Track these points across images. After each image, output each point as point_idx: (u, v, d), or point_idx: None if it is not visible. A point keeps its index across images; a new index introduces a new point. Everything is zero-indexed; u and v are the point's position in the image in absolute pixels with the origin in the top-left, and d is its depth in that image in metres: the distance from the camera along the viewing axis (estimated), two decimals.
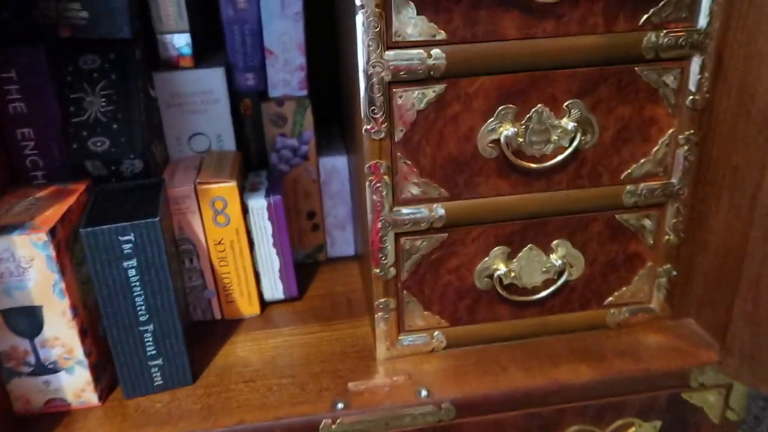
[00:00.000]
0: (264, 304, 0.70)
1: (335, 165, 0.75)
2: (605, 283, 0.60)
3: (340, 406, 0.55)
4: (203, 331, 0.67)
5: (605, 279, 0.60)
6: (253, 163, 0.75)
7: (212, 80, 0.69)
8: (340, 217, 0.78)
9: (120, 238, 0.52)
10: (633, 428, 0.58)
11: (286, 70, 0.71)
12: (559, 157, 0.53)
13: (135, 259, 0.53)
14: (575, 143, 0.52)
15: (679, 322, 0.62)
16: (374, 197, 0.53)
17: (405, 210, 0.54)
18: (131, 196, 0.58)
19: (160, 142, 0.69)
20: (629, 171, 0.55)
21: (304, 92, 0.73)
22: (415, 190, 0.54)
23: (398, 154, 0.52)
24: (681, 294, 0.61)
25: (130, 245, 0.53)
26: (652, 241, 0.58)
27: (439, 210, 0.54)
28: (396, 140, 0.52)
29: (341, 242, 0.79)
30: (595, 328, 0.62)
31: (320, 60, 0.75)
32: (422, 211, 0.54)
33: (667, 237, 0.58)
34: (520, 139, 0.52)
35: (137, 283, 0.54)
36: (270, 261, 0.68)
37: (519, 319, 0.61)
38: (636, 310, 0.62)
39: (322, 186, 0.76)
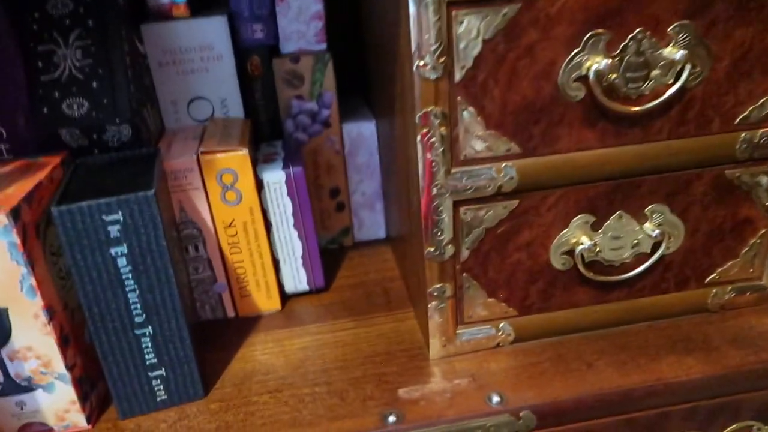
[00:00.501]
0: (285, 298, 0.59)
1: (362, 132, 0.64)
2: (708, 258, 0.49)
3: (391, 419, 0.43)
4: (214, 333, 0.55)
5: (708, 252, 0.49)
6: (264, 132, 0.63)
7: (212, 33, 0.57)
8: (368, 194, 0.66)
9: (104, 217, 0.41)
10: None
11: (301, 20, 0.60)
12: (662, 97, 0.42)
13: (125, 245, 0.42)
14: (683, 78, 0.41)
15: None
16: (427, 156, 0.42)
17: (466, 171, 0.43)
18: (118, 170, 0.46)
19: (153, 107, 0.57)
20: (746, 113, 0.44)
21: (323, 46, 0.61)
22: (479, 146, 0.42)
23: (458, 98, 0.41)
24: None
25: (118, 227, 0.41)
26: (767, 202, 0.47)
27: (510, 170, 0.43)
28: (455, 80, 0.40)
29: (370, 224, 0.68)
30: (694, 312, 0.51)
31: (338, 8, 0.63)
32: (488, 172, 0.43)
33: None
34: (613, 75, 0.41)
35: (129, 276, 0.43)
36: (291, 246, 0.57)
37: (602, 304, 0.49)
38: (743, 288, 0.51)
39: (347, 158, 0.64)
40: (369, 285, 0.60)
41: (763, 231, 0.49)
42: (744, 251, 0.49)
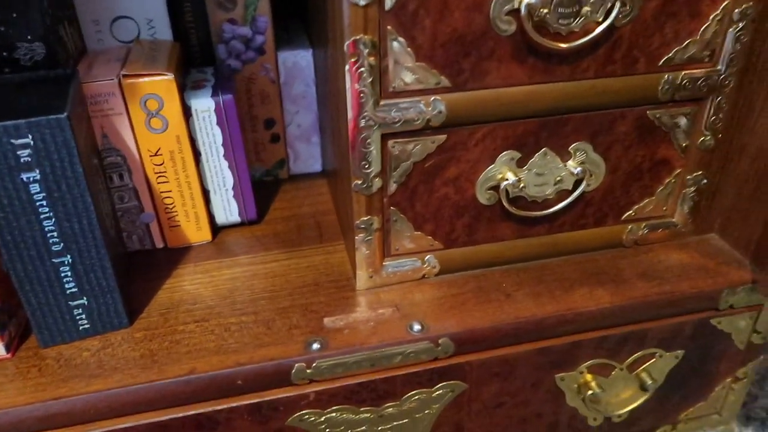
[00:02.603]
0: (216, 230, 0.59)
1: (297, 61, 0.62)
2: (626, 195, 0.51)
3: (315, 346, 0.45)
4: (142, 263, 0.54)
5: (626, 190, 0.51)
6: (194, 57, 0.60)
7: None
8: (304, 126, 0.65)
9: (13, 141, 0.39)
10: (654, 359, 0.51)
11: None
12: (591, 35, 0.42)
13: (37, 170, 0.40)
14: (612, 15, 0.41)
15: (701, 238, 0.55)
16: (355, 86, 0.41)
17: (394, 103, 0.42)
18: (30, 91, 0.43)
19: (72, 25, 0.54)
20: (670, 55, 0.45)
21: None
22: (408, 78, 0.42)
23: (388, 27, 0.40)
24: (707, 207, 0.53)
25: (29, 151, 0.39)
26: (684, 144, 0.49)
27: (438, 104, 0.43)
28: (386, 8, 0.39)
29: (306, 156, 0.67)
30: (610, 247, 0.53)
31: None
32: (417, 105, 0.43)
33: (702, 138, 0.49)
34: (545, 10, 0.41)
35: (44, 203, 0.41)
36: (221, 176, 0.56)
37: (524, 238, 0.51)
38: (656, 225, 0.53)
39: (283, 88, 0.63)
40: (302, 218, 0.60)
41: (678, 171, 0.51)
42: (659, 189, 0.51)
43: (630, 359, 0.50)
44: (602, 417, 0.53)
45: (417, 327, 0.46)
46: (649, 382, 0.51)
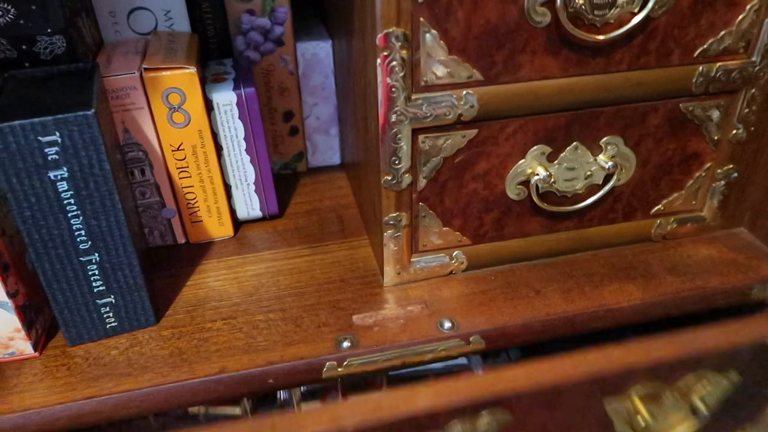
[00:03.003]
0: (237, 224, 0.58)
1: (316, 52, 0.61)
2: (655, 189, 0.50)
3: (346, 344, 0.44)
4: (164, 259, 0.54)
5: (656, 184, 0.50)
6: (212, 50, 0.60)
7: None
8: (323, 118, 0.64)
9: (41, 139, 0.38)
10: (708, 385, 0.49)
11: None
12: (627, 26, 0.41)
13: (65, 168, 0.39)
14: (649, 5, 0.40)
15: (729, 232, 0.54)
16: (387, 80, 0.40)
17: (426, 98, 0.41)
18: (53, 86, 0.43)
19: (89, 17, 0.53)
20: (705, 46, 0.44)
21: None
22: (440, 71, 0.41)
23: (421, 19, 0.39)
24: (736, 201, 0.53)
25: (57, 149, 0.39)
26: (716, 137, 0.48)
27: (471, 98, 0.42)
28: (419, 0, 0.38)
29: (324, 149, 0.66)
30: (638, 241, 0.53)
31: None
32: (449, 99, 0.42)
33: (734, 131, 0.48)
34: (580, 1, 0.40)
35: (71, 201, 0.40)
36: (243, 171, 0.55)
37: (552, 233, 0.51)
38: (685, 219, 0.53)
39: (301, 79, 0.62)
40: (323, 212, 0.60)
41: (708, 165, 0.50)
42: (689, 184, 0.51)
43: (682, 384, 0.49)
44: None
45: (447, 324, 0.46)
46: (703, 408, 0.48)
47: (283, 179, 0.65)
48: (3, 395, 0.42)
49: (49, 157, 0.39)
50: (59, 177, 0.39)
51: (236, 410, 0.56)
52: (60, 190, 0.40)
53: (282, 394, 0.52)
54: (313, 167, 0.67)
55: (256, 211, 0.58)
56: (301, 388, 0.51)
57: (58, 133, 0.38)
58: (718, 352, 0.45)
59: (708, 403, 0.47)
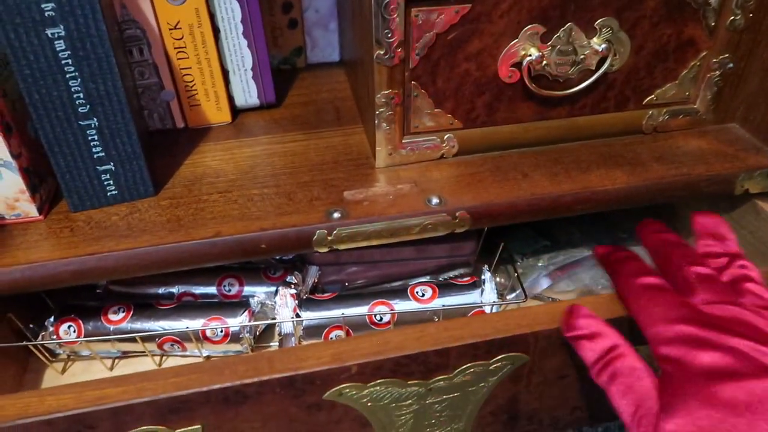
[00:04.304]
0: (235, 112, 0.59)
1: None
2: (649, 78, 0.50)
3: (336, 215, 0.46)
4: (163, 141, 0.55)
5: (650, 72, 0.50)
6: None
7: None
8: (322, 12, 0.64)
9: None
10: None
11: None
12: None
13: (62, 26, 0.40)
14: None
15: (722, 126, 0.54)
16: None
17: None
18: None
19: None
20: None
21: None
22: None
23: None
24: (730, 94, 0.53)
25: (53, 5, 0.39)
26: (713, 23, 0.48)
27: None
28: None
29: (324, 44, 0.66)
30: (630, 132, 0.53)
31: None
32: None
33: (732, 18, 0.48)
34: None
35: (69, 61, 0.41)
36: (240, 56, 0.56)
37: (544, 120, 0.51)
38: (677, 111, 0.53)
39: None
40: (320, 103, 0.60)
41: (704, 53, 0.50)
42: (683, 73, 0.51)
43: None
44: None
45: (435, 200, 0.47)
46: None
47: (283, 74, 0.65)
48: (10, 251, 0.44)
49: (46, 13, 0.39)
50: (56, 35, 0.40)
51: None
52: (58, 49, 0.41)
53: (282, 328, 0.53)
54: (312, 63, 0.67)
55: (253, 99, 0.58)
56: (303, 323, 0.52)
57: None
58: None
59: None
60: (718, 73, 0.51)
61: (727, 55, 0.50)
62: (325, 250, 0.46)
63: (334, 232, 0.45)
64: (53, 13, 0.39)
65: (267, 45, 0.56)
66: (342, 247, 0.46)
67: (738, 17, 0.48)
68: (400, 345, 0.39)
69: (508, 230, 0.58)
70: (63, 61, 0.41)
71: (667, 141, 0.53)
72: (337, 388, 0.39)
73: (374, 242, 0.47)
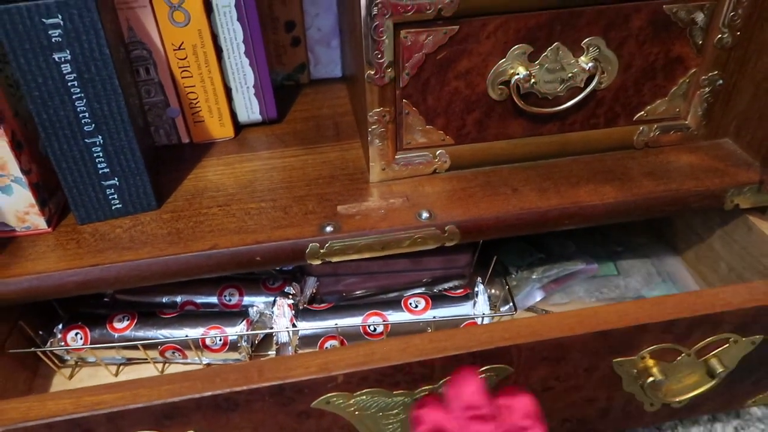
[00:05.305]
0: (238, 128, 0.61)
1: None
2: (638, 95, 0.51)
3: (329, 228, 0.47)
4: (168, 156, 0.58)
5: (639, 89, 0.51)
6: None
7: None
8: (324, 30, 0.66)
9: (45, 21, 0.41)
10: (727, 345, 0.45)
11: None
12: None
13: (68, 51, 0.42)
14: None
15: (714, 142, 0.55)
16: None
17: None
18: None
19: None
20: None
21: None
22: None
23: None
24: (721, 110, 0.53)
25: (59, 31, 0.42)
26: (701, 41, 0.49)
27: None
28: None
29: (326, 61, 0.68)
30: (620, 148, 0.54)
31: None
32: None
33: (720, 36, 0.48)
34: None
35: (75, 83, 0.44)
36: (242, 74, 0.58)
37: (534, 136, 0.52)
38: (668, 127, 0.54)
39: None
40: (321, 119, 0.62)
41: (693, 70, 0.51)
42: (673, 89, 0.51)
43: (700, 344, 0.44)
44: (660, 403, 0.48)
45: (425, 215, 0.48)
46: (720, 369, 0.45)
47: (286, 90, 0.67)
48: (20, 262, 0.46)
49: (53, 39, 0.42)
50: (63, 59, 0.43)
51: None
52: (64, 72, 0.43)
53: (279, 338, 0.55)
54: (315, 79, 0.69)
55: (255, 115, 0.60)
56: (299, 332, 0.53)
57: (60, 16, 0.41)
58: (739, 314, 0.42)
59: (726, 363, 0.45)
60: (707, 89, 0.51)
61: (716, 72, 0.51)
62: (318, 262, 0.48)
63: (327, 245, 0.47)
64: (60, 39, 0.42)
65: (269, 63, 0.58)
66: (334, 259, 0.48)
67: (725, 35, 0.49)
68: (385, 356, 0.41)
69: (503, 243, 0.59)
70: (69, 83, 0.44)
71: (658, 156, 0.54)
72: (325, 396, 0.41)
73: (366, 255, 0.48)
